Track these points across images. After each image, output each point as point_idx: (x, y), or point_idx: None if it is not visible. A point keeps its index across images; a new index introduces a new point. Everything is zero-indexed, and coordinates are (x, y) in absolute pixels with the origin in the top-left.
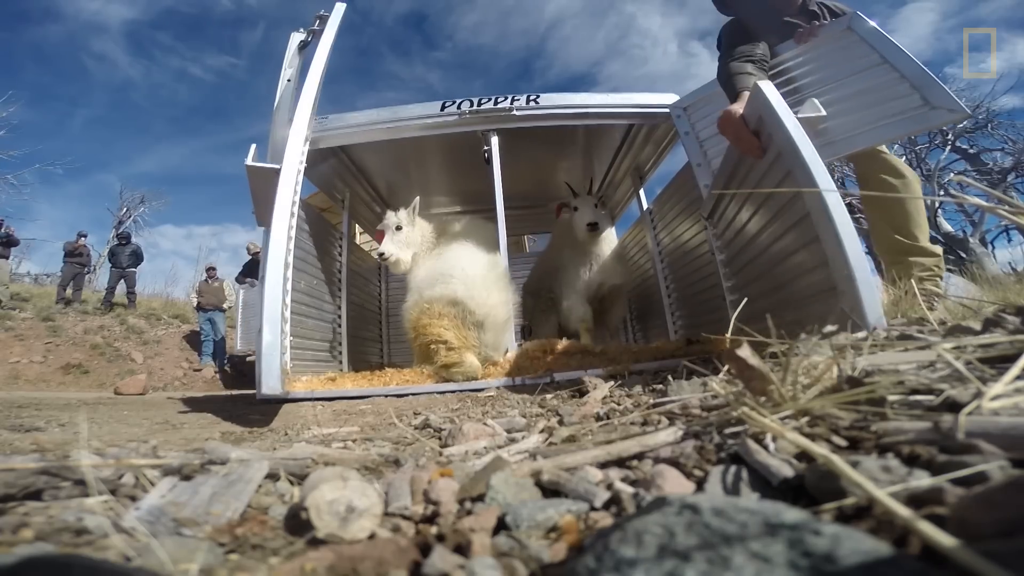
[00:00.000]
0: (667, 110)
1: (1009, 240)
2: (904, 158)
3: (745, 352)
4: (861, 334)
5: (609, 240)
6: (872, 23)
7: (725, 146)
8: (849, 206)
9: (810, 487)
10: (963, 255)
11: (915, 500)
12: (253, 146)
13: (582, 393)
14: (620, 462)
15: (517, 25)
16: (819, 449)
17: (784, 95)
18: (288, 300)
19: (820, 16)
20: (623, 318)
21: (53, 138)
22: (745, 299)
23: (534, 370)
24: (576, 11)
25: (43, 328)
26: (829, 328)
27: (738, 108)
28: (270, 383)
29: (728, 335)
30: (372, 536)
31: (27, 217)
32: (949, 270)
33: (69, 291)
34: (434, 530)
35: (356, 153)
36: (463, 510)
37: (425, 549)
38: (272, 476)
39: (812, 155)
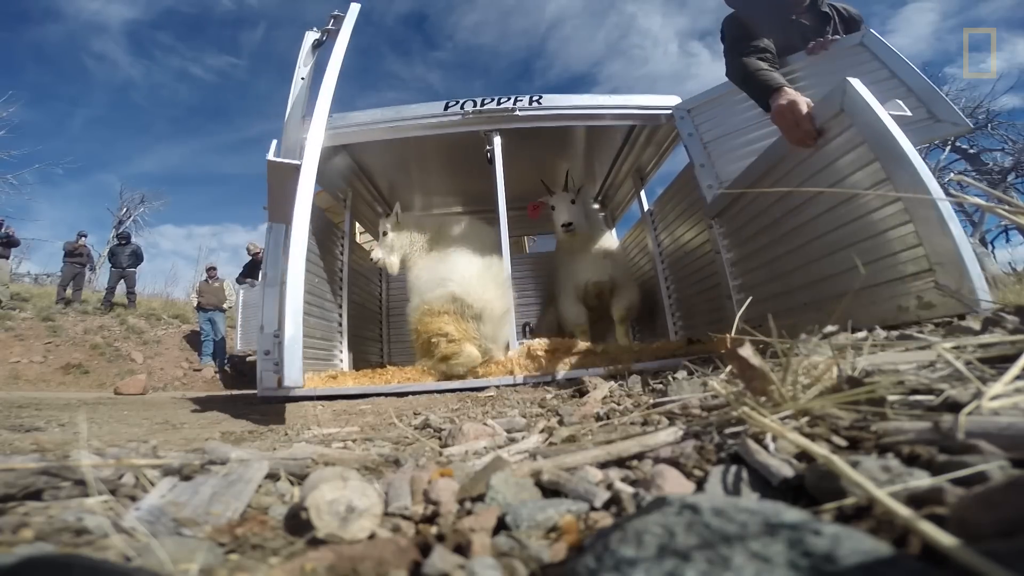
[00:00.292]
0: (670, 111)
1: (1008, 240)
2: None
3: (747, 351)
4: (861, 334)
5: (596, 236)
6: (883, 39)
7: (731, 148)
8: None
9: (810, 487)
10: None
11: (915, 500)
12: (274, 142)
13: (582, 393)
14: (620, 462)
15: (517, 25)
16: (819, 449)
17: None
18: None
19: (831, 18)
20: (629, 313)
21: (53, 138)
22: (750, 299)
23: (535, 369)
24: (577, 11)
25: (43, 328)
26: (829, 328)
27: (803, 98)
28: (292, 376)
29: (731, 334)
30: (372, 536)
31: (27, 217)
32: None
33: (69, 291)
34: (434, 530)
35: (358, 152)
36: (463, 510)
37: (425, 549)
38: (272, 476)
39: (907, 144)
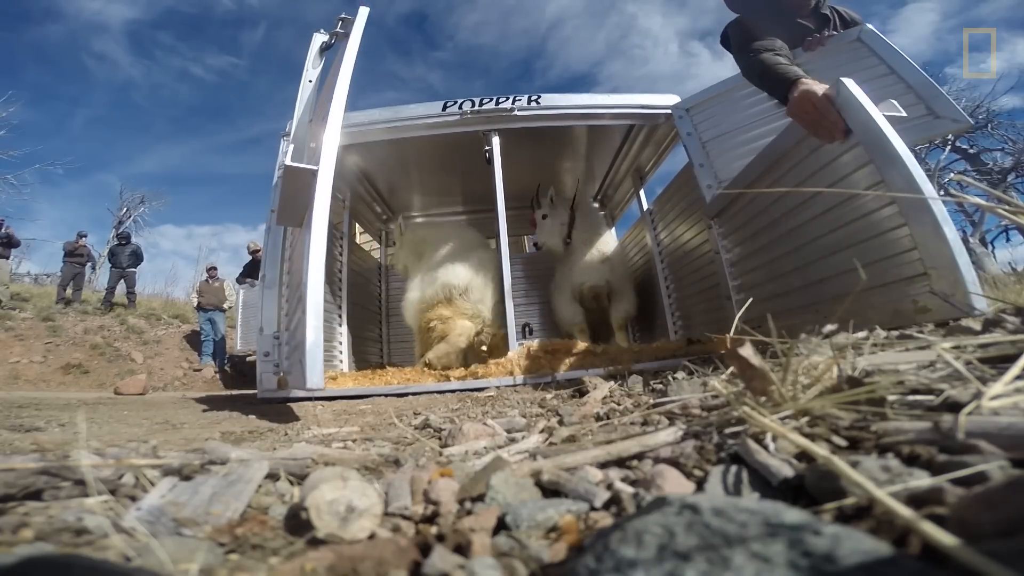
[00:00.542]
0: (669, 111)
1: (1008, 240)
2: None
3: (747, 351)
4: (861, 334)
5: (592, 239)
6: (882, 35)
7: (730, 147)
8: None
9: (810, 487)
10: None
11: (915, 500)
12: (291, 146)
13: (582, 393)
14: (620, 462)
15: (518, 25)
16: (819, 449)
17: None
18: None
19: (831, 20)
20: (627, 320)
21: (53, 138)
22: (750, 300)
23: (535, 369)
24: (577, 11)
25: (43, 328)
26: (829, 328)
27: (820, 85)
28: (314, 380)
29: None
30: (372, 536)
31: (27, 217)
32: None
33: (69, 291)
34: (434, 530)
35: (357, 152)
36: (463, 510)
37: (425, 549)
38: (272, 476)
39: (901, 145)
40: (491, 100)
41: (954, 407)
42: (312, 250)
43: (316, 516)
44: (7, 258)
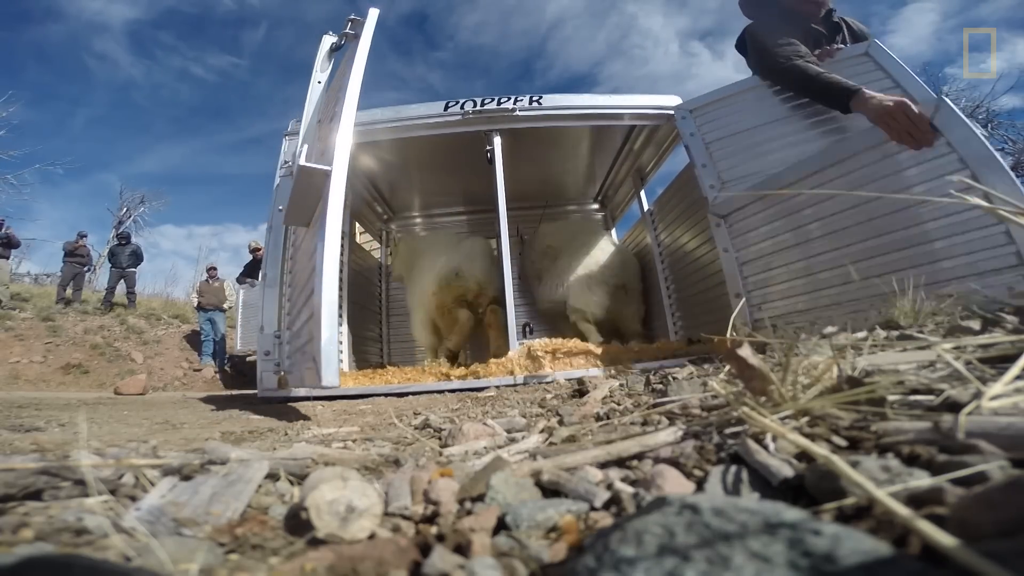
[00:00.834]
0: (670, 111)
1: None
2: None
3: (746, 351)
4: (861, 334)
5: (574, 262)
6: (888, 51)
7: (736, 150)
8: None
9: (810, 487)
10: None
11: (915, 500)
12: (305, 147)
13: (582, 393)
14: (620, 462)
15: (518, 25)
16: (819, 449)
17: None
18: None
19: (841, 29)
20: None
21: (54, 138)
22: (744, 301)
23: (534, 369)
24: (577, 11)
25: (43, 328)
26: (829, 328)
27: (901, 98)
28: (329, 378)
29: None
30: (372, 536)
31: (27, 217)
32: None
33: (69, 291)
34: (434, 530)
35: (358, 152)
36: (463, 510)
37: (425, 549)
38: (272, 476)
39: (998, 155)
40: (492, 100)
41: (954, 407)
42: (327, 250)
43: (316, 516)
44: (7, 258)
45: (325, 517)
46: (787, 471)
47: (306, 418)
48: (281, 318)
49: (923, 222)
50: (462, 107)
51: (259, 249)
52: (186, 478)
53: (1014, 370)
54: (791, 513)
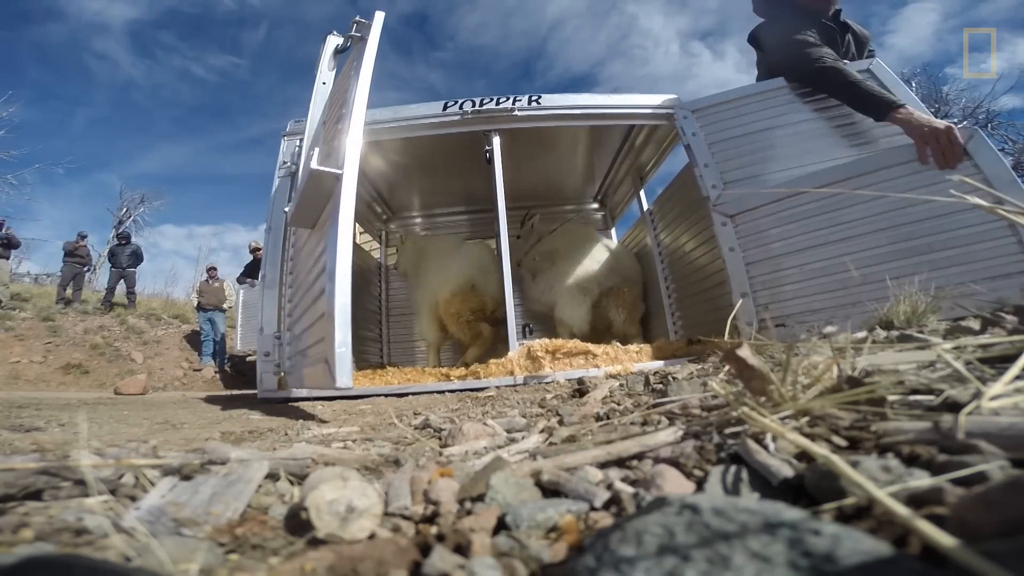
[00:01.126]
0: (670, 111)
1: None
2: None
3: (745, 352)
4: (861, 334)
5: (568, 270)
6: (889, 70)
7: (738, 151)
8: None
9: (810, 487)
10: None
11: (915, 500)
12: (316, 150)
13: (582, 393)
14: (620, 462)
15: (518, 26)
16: (819, 449)
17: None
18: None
19: (849, 29)
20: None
21: (54, 138)
22: (741, 299)
23: (535, 369)
24: (578, 11)
25: (43, 328)
26: (829, 328)
27: (933, 118)
28: (343, 380)
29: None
30: (372, 536)
31: (27, 217)
32: None
33: (69, 291)
34: (434, 530)
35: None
36: (463, 510)
37: (425, 549)
38: (272, 476)
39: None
40: (492, 100)
41: (954, 407)
42: (340, 253)
43: (316, 516)
44: (7, 258)
45: (325, 517)
46: (787, 471)
47: (306, 418)
48: (281, 319)
49: (942, 232)
50: (461, 107)
51: (259, 249)
52: (186, 478)
53: (1014, 370)
54: (791, 513)
